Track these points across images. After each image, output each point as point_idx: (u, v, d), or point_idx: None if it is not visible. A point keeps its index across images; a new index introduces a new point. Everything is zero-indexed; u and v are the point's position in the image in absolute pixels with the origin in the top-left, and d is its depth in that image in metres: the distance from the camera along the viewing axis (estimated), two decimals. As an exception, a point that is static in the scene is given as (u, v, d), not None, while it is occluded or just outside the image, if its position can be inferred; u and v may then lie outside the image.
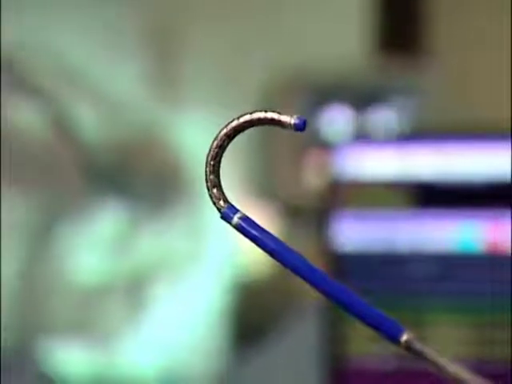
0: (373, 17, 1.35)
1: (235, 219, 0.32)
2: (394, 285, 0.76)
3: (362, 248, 0.78)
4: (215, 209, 0.33)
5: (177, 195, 1.17)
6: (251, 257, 1.21)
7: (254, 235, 0.32)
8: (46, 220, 1.13)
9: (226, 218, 0.33)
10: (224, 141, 0.33)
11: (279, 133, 1.30)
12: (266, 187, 1.30)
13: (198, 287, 1.20)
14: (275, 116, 0.32)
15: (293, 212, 1.25)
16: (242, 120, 0.33)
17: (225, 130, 0.33)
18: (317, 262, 0.80)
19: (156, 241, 1.18)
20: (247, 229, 0.32)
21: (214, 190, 0.33)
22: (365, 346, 0.77)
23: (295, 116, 0.32)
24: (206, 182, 0.33)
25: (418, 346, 0.32)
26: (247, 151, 1.30)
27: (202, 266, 1.20)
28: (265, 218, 1.25)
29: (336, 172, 0.79)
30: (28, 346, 1.11)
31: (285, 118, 0.32)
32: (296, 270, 0.33)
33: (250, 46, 1.31)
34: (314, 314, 0.83)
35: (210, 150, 0.33)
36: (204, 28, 1.29)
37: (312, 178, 1.22)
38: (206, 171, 0.33)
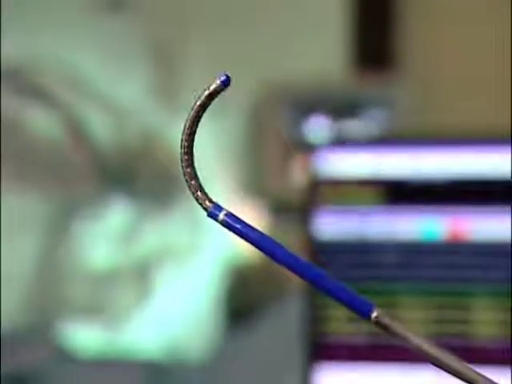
0: (349, 37, 1.35)
1: (221, 216, 0.32)
2: (367, 271, 0.77)
3: (339, 239, 0.78)
4: (201, 206, 0.32)
5: (178, 193, 1.17)
6: (243, 248, 1.21)
7: (239, 229, 0.32)
8: (64, 214, 1.13)
9: (212, 216, 0.32)
10: (188, 147, 0.32)
11: (269, 138, 1.30)
12: (256, 186, 1.30)
13: (196, 274, 1.19)
14: (196, 190, 0.32)
15: (280, 208, 1.25)
16: (191, 119, 0.32)
17: (185, 140, 0.32)
18: (300, 252, 0.81)
19: (159, 233, 1.18)
20: (232, 224, 0.32)
21: (198, 193, 0.32)
22: (342, 325, 0.77)
23: (211, 200, 0.32)
24: (189, 188, 0.32)
25: (386, 321, 0.32)
26: (239, 155, 1.30)
27: (199, 255, 1.20)
28: (255, 214, 1.25)
29: (317, 173, 0.79)
30: (47, 325, 1.11)
31: (214, 85, 0.32)
32: (276, 258, 0.32)
33: (242, 61, 1.31)
34: (298, 296, 0.83)
35: (182, 160, 0.32)
36: (201, 44, 1.29)
37: (297, 178, 1.22)
38: (186, 179, 0.32)
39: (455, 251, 0.75)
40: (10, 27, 1.16)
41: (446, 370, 0.32)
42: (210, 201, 0.32)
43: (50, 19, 1.21)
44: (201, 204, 0.32)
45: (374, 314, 0.32)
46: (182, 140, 0.32)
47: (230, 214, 0.32)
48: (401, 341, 0.32)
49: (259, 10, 1.33)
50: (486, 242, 0.75)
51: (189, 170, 0.32)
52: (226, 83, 0.32)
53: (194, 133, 0.32)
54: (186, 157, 0.32)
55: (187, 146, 0.32)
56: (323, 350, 0.77)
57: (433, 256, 0.76)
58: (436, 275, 0.76)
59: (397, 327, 0.32)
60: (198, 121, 0.32)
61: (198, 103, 0.32)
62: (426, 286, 0.76)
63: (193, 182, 0.32)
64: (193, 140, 0.32)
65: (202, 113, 0.32)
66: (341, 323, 0.77)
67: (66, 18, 1.22)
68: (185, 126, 0.32)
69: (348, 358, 0.77)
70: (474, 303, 0.75)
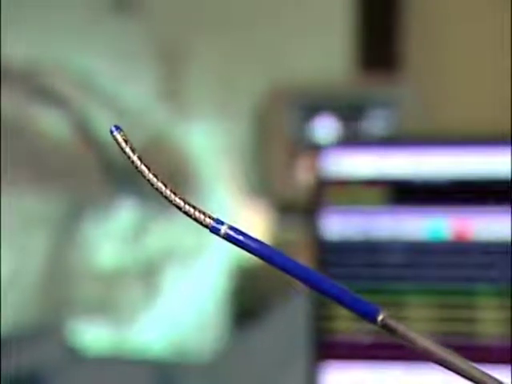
0: (354, 38, 1.35)
1: (222, 231, 0.32)
2: (373, 271, 0.76)
3: (345, 239, 0.78)
4: (200, 225, 0.32)
5: (184, 193, 1.17)
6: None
7: (241, 241, 0.32)
8: (72, 214, 1.13)
9: (214, 232, 0.32)
10: (164, 184, 0.32)
11: (274, 138, 1.30)
12: (262, 186, 1.30)
13: (202, 273, 1.19)
14: (190, 210, 0.32)
15: (286, 208, 1.25)
16: (141, 170, 0.33)
17: (158, 181, 0.32)
18: (306, 252, 0.81)
19: (166, 233, 1.18)
20: (234, 237, 0.32)
21: (196, 213, 0.32)
22: (347, 324, 0.77)
23: (209, 216, 0.32)
24: (185, 214, 0.32)
25: (392, 323, 0.32)
26: (245, 155, 1.30)
27: (206, 255, 1.20)
28: (261, 214, 1.25)
29: (323, 173, 0.78)
30: (56, 323, 1.11)
31: (198, 215, 0.32)
32: (280, 267, 0.32)
33: (248, 62, 1.31)
34: (303, 296, 0.83)
35: (167, 197, 0.32)
36: (206, 47, 1.29)
37: (302, 178, 1.22)
38: (178, 208, 0.32)
39: (460, 251, 0.75)
40: (17, 28, 1.16)
41: (453, 371, 0.31)
42: (210, 217, 0.32)
43: (58, 20, 1.21)
44: (201, 223, 0.32)
45: (380, 317, 0.32)
46: (156, 187, 0.32)
47: (231, 227, 0.32)
48: (408, 343, 0.32)
49: (265, 12, 1.33)
50: (492, 242, 0.74)
51: (177, 199, 0.32)
52: (118, 128, 0.33)
53: (154, 173, 0.32)
54: (168, 192, 0.32)
55: (164, 184, 0.32)
56: (329, 348, 0.77)
57: (438, 255, 0.75)
58: (441, 274, 0.75)
59: (404, 329, 0.32)
60: (142, 165, 0.32)
61: (131, 155, 0.33)
62: (432, 285, 0.76)
63: (186, 207, 0.32)
64: (157, 176, 0.32)
65: (134, 152, 0.33)
66: (346, 322, 0.77)
67: (73, 19, 1.22)
68: (144, 175, 0.32)
69: (353, 357, 0.76)
70: (479, 302, 0.74)
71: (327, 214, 0.78)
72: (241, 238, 0.32)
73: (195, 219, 0.32)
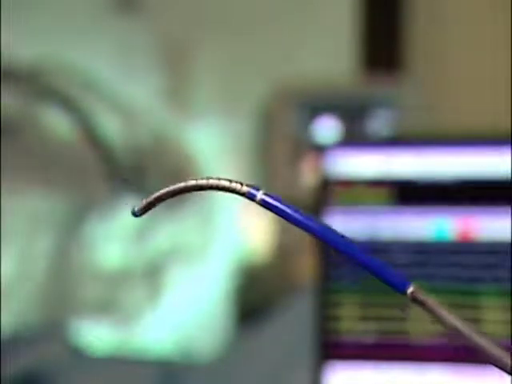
0: (358, 39, 1.35)
1: (258, 197, 0.32)
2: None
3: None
4: (238, 194, 0.32)
5: (189, 193, 1.17)
6: (253, 246, 1.21)
7: (276, 207, 0.32)
8: (77, 214, 1.13)
9: (251, 198, 0.32)
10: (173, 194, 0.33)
11: (278, 138, 1.30)
12: (265, 187, 1.30)
13: (207, 273, 1.19)
14: (226, 184, 0.32)
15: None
16: (190, 184, 0.33)
17: (177, 188, 0.33)
18: (311, 252, 0.80)
19: (171, 233, 1.18)
20: (270, 203, 0.32)
21: (232, 184, 0.32)
22: (352, 324, 0.77)
23: (246, 184, 0.32)
24: (222, 189, 0.32)
25: (422, 296, 0.32)
26: (250, 154, 1.30)
27: (210, 254, 1.20)
28: (264, 214, 1.25)
29: (327, 173, 0.78)
30: (61, 323, 1.11)
31: (235, 186, 0.32)
32: (316, 234, 0.32)
33: (252, 62, 1.31)
34: (308, 295, 0.83)
35: (200, 187, 0.33)
36: (210, 46, 1.29)
37: (306, 179, 1.22)
38: (214, 188, 0.32)
39: (465, 251, 0.75)
40: (20, 28, 1.16)
41: (478, 351, 0.31)
42: (247, 185, 0.32)
43: (62, 19, 1.21)
44: (238, 193, 0.32)
45: (411, 290, 0.32)
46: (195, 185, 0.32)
47: (266, 194, 0.32)
48: (436, 318, 0.32)
49: (269, 12, 1.33)
50: (497, 242, 0.74)
51: (210, 180, 0.32)
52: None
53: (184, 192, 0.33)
54: (199, 180, 0.32)
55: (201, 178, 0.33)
56: (333, 348, 0.77)
57: (443, 255, 0.75)
58: (446, 274, 0.75)
59: (433, 304, 0.32)
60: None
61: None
62: (436, 285, 0.75)
63: (221, 182, 0.32)
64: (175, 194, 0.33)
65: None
66: (351, 322, 0.76)
67: (78, 19, 1.22)
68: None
69: (358, 357, 0.76)
70: (484, 303, 0.74)
71: (331, 214, 0.78)
72: (276, 204, 0.32)
73: (231, 191, 0.32)
